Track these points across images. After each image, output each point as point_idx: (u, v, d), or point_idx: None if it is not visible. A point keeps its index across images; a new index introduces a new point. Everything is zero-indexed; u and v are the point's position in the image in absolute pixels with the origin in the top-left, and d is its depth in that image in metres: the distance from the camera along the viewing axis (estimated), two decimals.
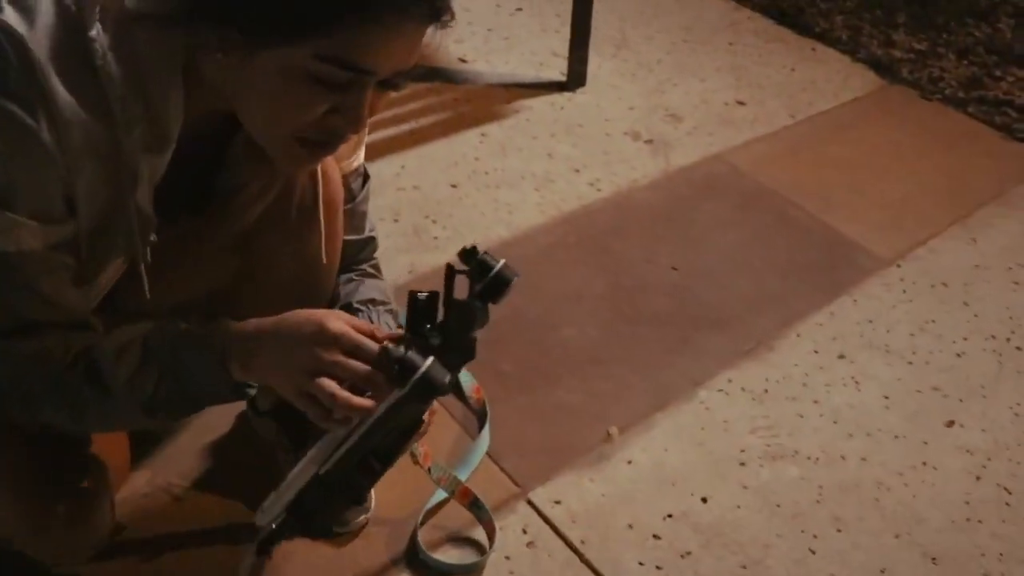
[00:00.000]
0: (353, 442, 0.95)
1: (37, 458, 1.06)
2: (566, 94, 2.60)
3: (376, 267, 1.36)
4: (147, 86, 0.85)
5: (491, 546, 1.37)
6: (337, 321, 0.92)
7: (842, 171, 2.40)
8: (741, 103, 2.66)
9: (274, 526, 1.00)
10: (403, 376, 0.88)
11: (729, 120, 2.57)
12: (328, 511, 1.01)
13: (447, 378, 0.88)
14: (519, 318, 1.81)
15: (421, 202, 2.11)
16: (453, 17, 0.87)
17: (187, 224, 1.09)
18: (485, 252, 0.96)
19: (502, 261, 0.96)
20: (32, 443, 1.05)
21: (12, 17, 0.79)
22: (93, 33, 0.82)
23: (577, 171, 2.28)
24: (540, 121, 2.45)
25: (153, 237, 0.96)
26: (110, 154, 0.86)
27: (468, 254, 0.99)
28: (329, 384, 0.90)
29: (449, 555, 1.38)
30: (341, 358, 0.90)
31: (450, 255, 1.95)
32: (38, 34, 0.80)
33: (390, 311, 1.28)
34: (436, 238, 2.00)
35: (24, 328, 0.93)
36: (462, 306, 0.95)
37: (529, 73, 2.68)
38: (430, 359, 0.88)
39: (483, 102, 2.52)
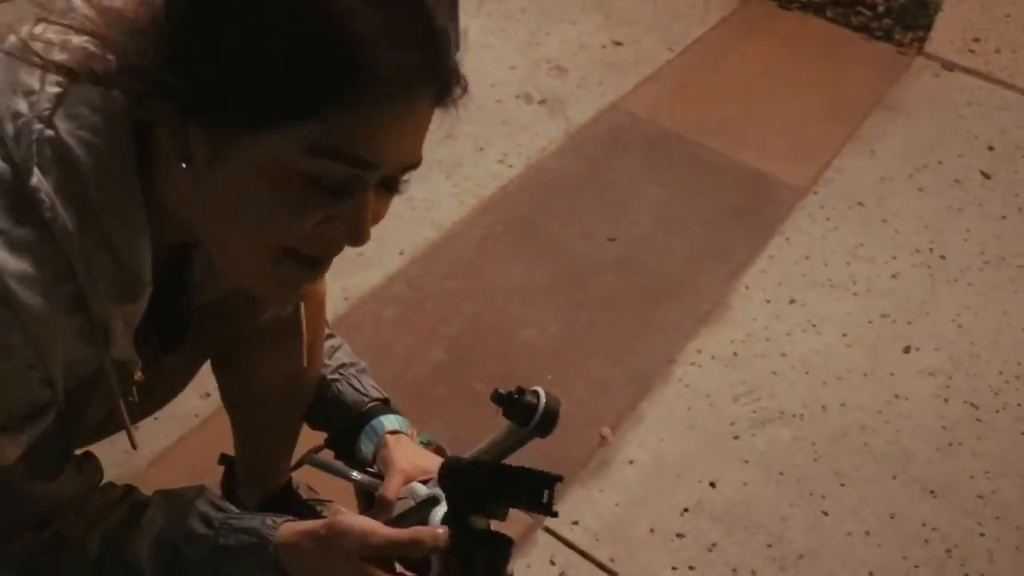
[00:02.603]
0: None
1: None
2: None
3: (327, 323, 1.24)
4: (107, 229, 0.69)
5: None
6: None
7: (733, 101, 2.40)
8: (618, 43, 2.59)
9: None
10: None
11: (612, 64, 2.51)
12: None
13: None
14: (476, 329, 1.72)
15: None
16: (465, 91, 0.71)
17: (169, 360, 0.94)
18: (518, 391, 0.85)
19: (542, 394, 0.86)
20: None
21: None
22: (35, 181, 0.65)
23: (482, 149, 2.16)
24: None
25: (138, 375, 0.81)
26: (80, 315, 0.71)
27: (505, 399, 0.86)
28: None
29: None
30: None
31: (380, 270, 1.82)
32: None
33: (363, 371, 1.18)
34: (361, 253, 1.86)
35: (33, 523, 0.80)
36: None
37: None
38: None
39: None
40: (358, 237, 0.69)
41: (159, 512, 0.84)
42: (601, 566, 1.38)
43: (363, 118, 0.63)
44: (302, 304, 1.01)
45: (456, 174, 2.08)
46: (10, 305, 0.65)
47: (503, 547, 0.83)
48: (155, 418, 1.09)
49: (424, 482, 0.97)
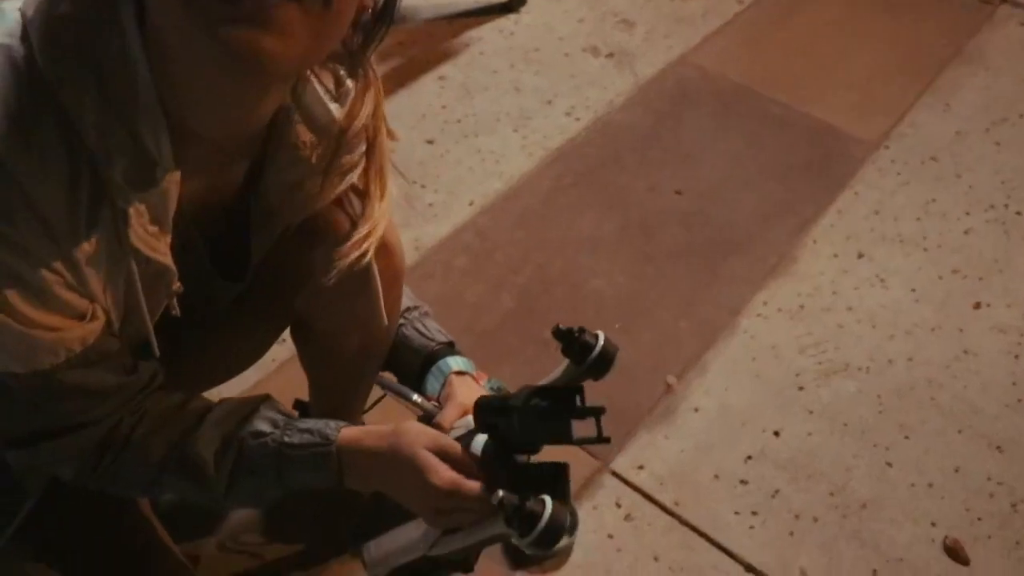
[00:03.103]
0: (466, 543, 0.94)
1: None
2: (511, 17, 2.46)
3: None
4: (119, 97, 0.68)
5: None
6: (437, 475, 0.87)
7: (804, 55, 2.36)
8: None
9: None
10: (525, 525, 0.81)
11: (680, 17, 2.49)
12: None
13: (567, 519, 0.81)
14: (544, 278, 1.75)
15: (402, 166, 1.97)
16: None
17: (233, 291, 0.98)
18: (579, 330, 0.90)
19: (601, 337, 0.90)
20: None
21: None
22: (46, 55, 0.66)
23: (550, 102, 2.18)
24: (494, 53, 2.32)
25: (177, 286, 0.83)
26: (99, 198, 0.71)
27: (565, 335, 0.91)
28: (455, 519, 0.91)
29: None
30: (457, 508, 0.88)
31: (450, 221, 1.87)
32: None
33: (426, 314, 1.22)
34: (431, 204, 1.90)
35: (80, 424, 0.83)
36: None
37: None
38: (548, 507, 0.80)
39: (430, 41, 2.37)
40: None
41: (225, 413, 0.88)
42: (665, 509, 1.42)
43: None
44: (373, 263, 0.99)
45: (524, 127, 2.10)
46: (24, 191, 0.67)
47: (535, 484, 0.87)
48: None
49: None
